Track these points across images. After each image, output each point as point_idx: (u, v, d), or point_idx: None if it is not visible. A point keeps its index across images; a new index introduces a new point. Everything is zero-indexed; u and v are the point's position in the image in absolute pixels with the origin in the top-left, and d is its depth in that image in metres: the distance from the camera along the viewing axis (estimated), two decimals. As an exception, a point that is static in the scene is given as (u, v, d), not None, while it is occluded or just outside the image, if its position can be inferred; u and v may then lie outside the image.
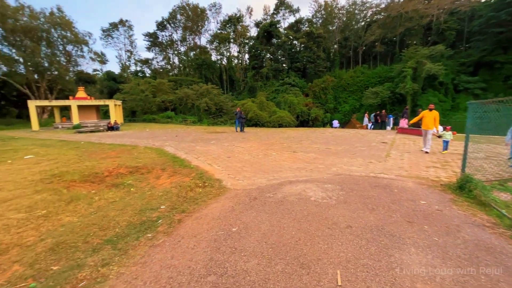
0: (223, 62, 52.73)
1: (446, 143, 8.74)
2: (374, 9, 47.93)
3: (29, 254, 2.87)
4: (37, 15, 37.49)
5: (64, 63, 44.79)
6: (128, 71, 58.91)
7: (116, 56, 70.11)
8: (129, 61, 59.28)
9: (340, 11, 50.33)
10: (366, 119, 21.00)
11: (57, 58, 42.18)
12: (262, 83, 41.32)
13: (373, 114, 20.40)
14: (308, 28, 44.30)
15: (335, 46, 49.97)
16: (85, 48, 48.26)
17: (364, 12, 49.69)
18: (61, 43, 43.55)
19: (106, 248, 2.96)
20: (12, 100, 38.79)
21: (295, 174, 5.86)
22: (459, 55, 38.48)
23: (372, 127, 19.86)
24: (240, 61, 54.33)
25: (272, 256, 2.57)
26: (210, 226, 3.33)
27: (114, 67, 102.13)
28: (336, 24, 49.97)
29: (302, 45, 43.38)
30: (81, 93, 29.43)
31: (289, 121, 27.84)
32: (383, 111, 20.24)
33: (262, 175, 5.92)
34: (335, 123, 23.01)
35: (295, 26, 47.50)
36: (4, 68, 35.79)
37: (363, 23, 49.00)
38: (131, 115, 38.51)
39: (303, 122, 32.69)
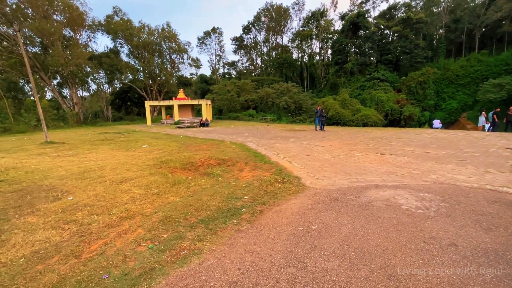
0: (304, 60, 52.16)
1: None
2: (502, -22, 37.48)
3: (148, 222, 3.65)
4: (153, 32, 46.28)
5: (169, 70, 53.81)
6: (218, 73, 65.80)
7: (208, 61, 79.76)
8: (218, 64, 66.12)
9: (450, -12, 41.70)
10: (482, 119, 16.81)
11: (165, 66, 50.99)
12: (346, 79, 38.74)
13: (492, 111, 16.11)
14: (404, 14, 38.70)
15: (441, 31, 41.90)
16: (185, 56, 56.50)
17: (486, -16, 39.53)
18: (168, 53, 52.46)
19: (200, 226, 3.45)
20: (134, 101, 49.37)
21: (382, 178, 5.30)
22: None
23: (491, 128, 15.73)
24: (322, 58, 52.56)
25: (354, 260, 2.44)
26: (289, 221, 3.42)
27: (206, 70, 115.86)
28: (443, 4, 41.77)
29: (396, 34, 38.33)
30: (181, 94, 34.75)
31: (375, 120, 25.21)
32: (511, 108, 15.73)
33: (343, 176, 5.61)
34: (436, 123, 19.35)
35: (387, 14, 42.32)
36: (130, 76, 45.83)
37: (483, -1, 39.15)
38: (218, 113, 42.97)
39: (393, 121, 28.98)
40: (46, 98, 42.66)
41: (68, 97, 40.35)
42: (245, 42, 60.56)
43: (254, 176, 5.94)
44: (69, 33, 36.98)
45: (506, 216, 3.30)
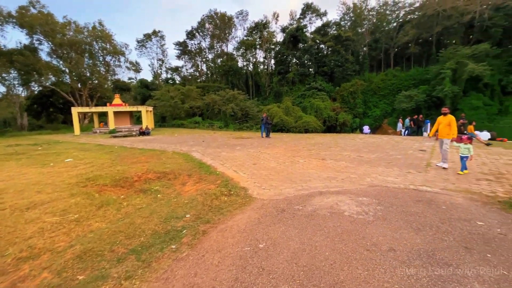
0: (249, 68, 53.37)
1: (463, 160, 6.31)
2: (408, 9, 45.44)
3: (58, 260, 2.90)
4: (82, 30, 41.13)
5: (103, 73, 48.58)
6: (160, 78, 62.09)
7: (149, 65, 74.14)
8: (161, 69, 62.52)
9: (370, 13, 48.49)
10: (400, 125, 19.66)
11: (98, 68, 45.81)
12: (288, 88, 40.98)
13: (408, 118, 19.03)
14: (335, 32, 43.26)
15: (365, 48, 48.12)
16: (122, 58, 51.95)
17: (396, 12, 47.31)
18: (101, 54, 47.39)
19: (130, 258, 2.89)
20: (59, 107, 42.70)
21: (325, 184, 5.49)
22: (507, 53, 34.78)
23: (407, 132, 18.53)
24: (266, 67, 54.58)
25: (304, 281, 2.30)
26: (235, 240, 3.14)
27: (147, 75, 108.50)
28: (365, 26, 48.22)
29: (330, 49, 42.42)
30: (117, 100, 31.44)
31: (315, 126, 27.14)
32: (420, 116, 18.84)
33: (289, 184, 5.63)
34: (366, 128, 21.90)
35: (322, 30, 46.69)
36: (53, 78, 39.56)
37: (395, 24, 46.66)
38: (161, 121, 40.35)
39: (330, 127, 31.67)
40: None
41: (-37, 101, 32.40)
42: (189, 48, 58.86)
43: (198, 189, 5.50)
44: (-36, 23, 29.99)
45: (429, 214, 3.69)
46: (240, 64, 54.70)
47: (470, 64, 30.17)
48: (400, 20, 46.11)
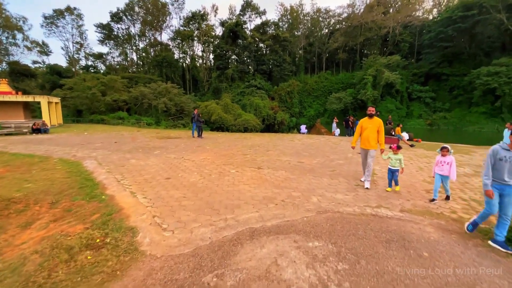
0: (186, 61, 49.30)
1: (392, 174, 5.05)
2: (337, 18, 49.14)
3: None
4: None
5: (-12, 51, 37.92)
6: (78, 65, 51.92)
7: (62, 48, 60.04)
8: (78, 54, 52.26)
9: (305, 17, 50.60)
10: (334, 125, 19.96)
11: (-21, 45, 35.30)
12: (227, 85, 39.13)
13: (345, 118, 19.42)
14: (274, 31, 43.42)
15: (300, 51, 49.99)
16: (20, 35, 41.66)
17: (328, 20, 50.67)
18: (-14, 27, 36.82)
19: None
20: None
21: (259, 214, 3.84)
22: (412, 65, 40.88)
23: (339, 132, 18.91)
24: (204, 61, 51.43)
25: None
26: None
27: (60, 60, 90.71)
28: (301, 30, 50.10)
29: (268, 48, 42.36)
30: (3, 86, 24.00)
31: (254, 125, 26.08)
32: (351, 116, 19.49)
33: (208, 216, 3.78)
34: (303, 128, 21.73)
35: (261, 28, 46.33)
36: None
37: (326, 31, 49.87)
38: (76, 115, 33.27)
39: (269, 125, 31.25)
40: None
41: None
42: (116, 33, 50.87)
43: (46, 237, 3.14)
44: None
45: (417, 277, 2.38)
46: (176, 56, 50.02)
47: (386, 72, 33.98)
48: (331, 27, 49.52)
